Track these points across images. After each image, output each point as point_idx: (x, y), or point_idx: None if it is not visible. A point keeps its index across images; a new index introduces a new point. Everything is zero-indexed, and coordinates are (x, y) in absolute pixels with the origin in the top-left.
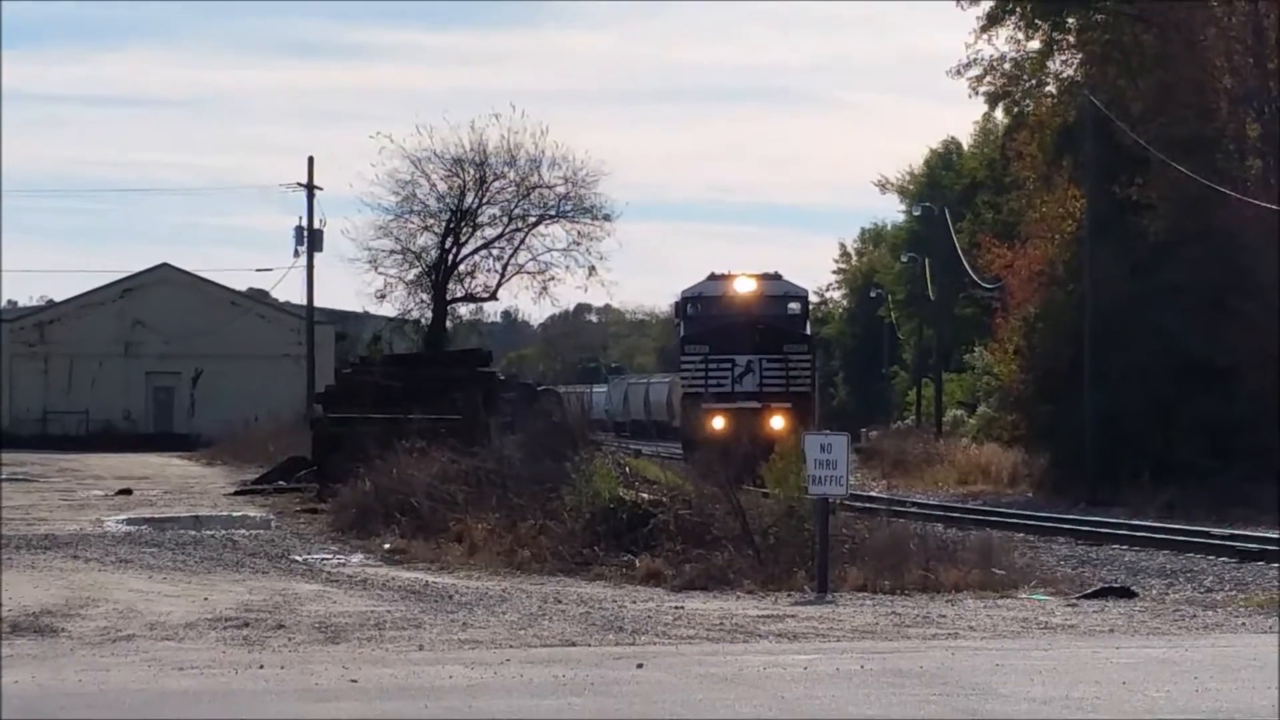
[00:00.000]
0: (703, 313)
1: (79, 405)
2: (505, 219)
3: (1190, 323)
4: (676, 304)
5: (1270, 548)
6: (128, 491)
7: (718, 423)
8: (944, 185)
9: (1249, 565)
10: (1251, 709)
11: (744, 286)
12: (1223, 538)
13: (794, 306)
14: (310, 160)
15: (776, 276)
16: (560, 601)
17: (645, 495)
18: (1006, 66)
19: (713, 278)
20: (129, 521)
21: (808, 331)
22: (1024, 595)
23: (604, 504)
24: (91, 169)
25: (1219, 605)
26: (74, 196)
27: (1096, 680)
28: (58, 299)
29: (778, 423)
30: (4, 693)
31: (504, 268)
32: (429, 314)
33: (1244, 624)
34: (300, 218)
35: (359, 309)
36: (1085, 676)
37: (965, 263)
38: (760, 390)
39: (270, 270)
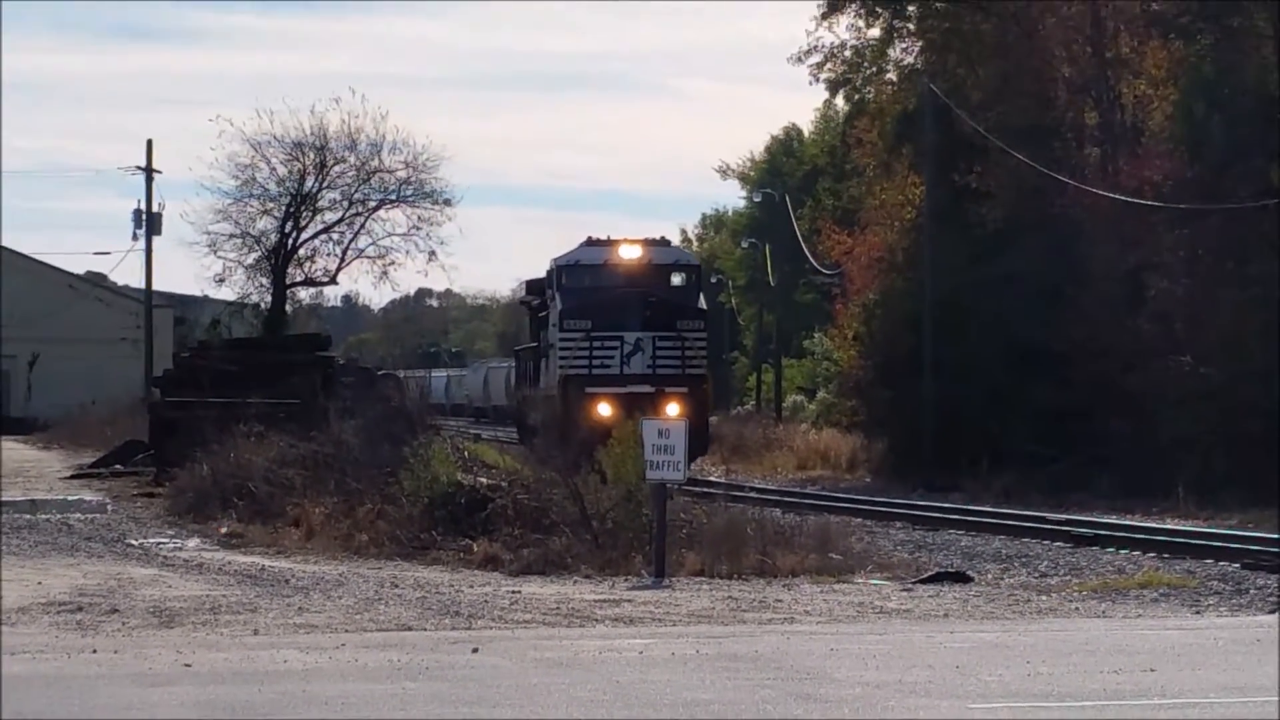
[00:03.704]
0: (581, 283)
1: None
2: (345, 203)
3: (1028, 311)
4: (548, 273)
5: (1104, 533)
6: None
7: (604, 409)
8: (785, 172)
9: (1083, 550)
10: (1083, 691)
11: (629, 253)
12: (1058, 523)
13: (686, 277)
14: (149, 143)
15: (664, 242)
16: (397, 586)
17: (484, 480)
18: (847, 54)
19: (591, 243)
20: None
21: (702, 305)
22: (860, 580)
23: (442, 488)
24: None
25: (1053, 590)
26: None
27: (930, 665)
28: None
29: (673, 409)
30: None
31: (344, 252)
32: (268, 298)
33: (1077, 608)
34: (139, 201)
35: (198, 293)
36: (919, 661)
37: (805, 249)
38: (653, 372)
39: (108, 254)
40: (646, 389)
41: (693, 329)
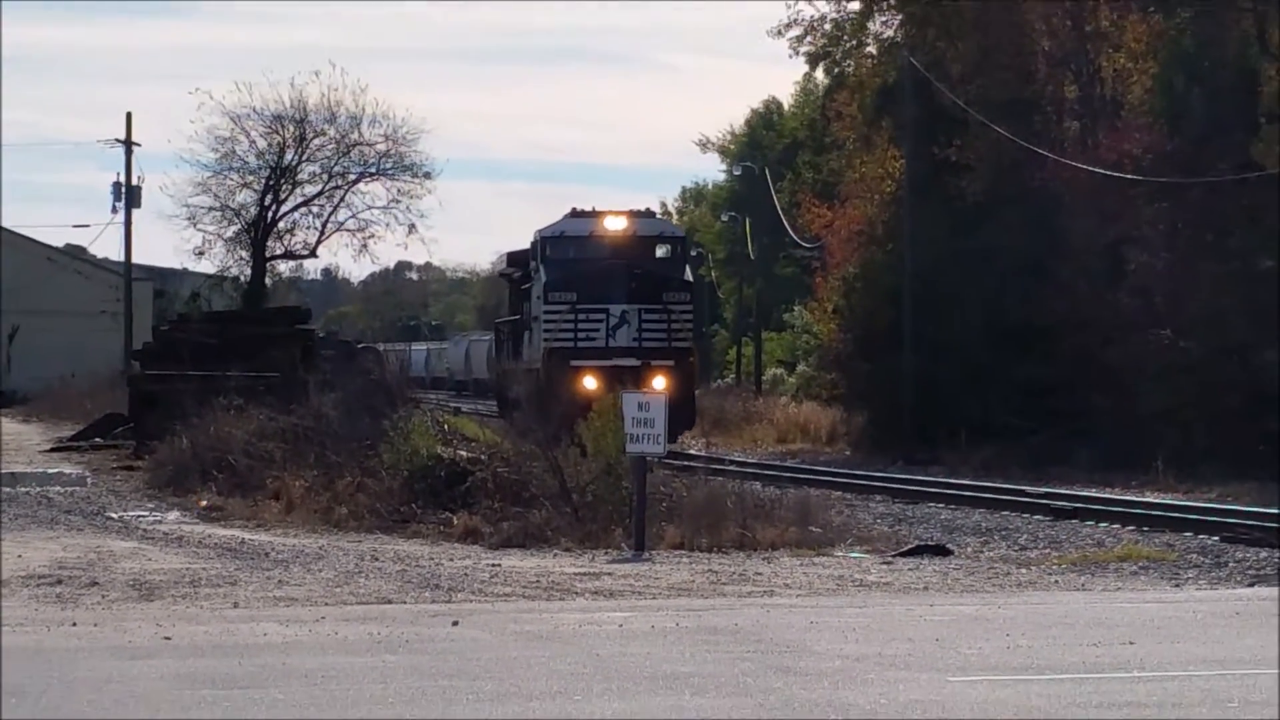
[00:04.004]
0: (566, 255)
1: None
2: (325, 176)
3: (1008, 284)
4: (532, 245)
5: (1083, 505)
6: None
7: (589, 382)
8: (765, 145)
9: (1063, 523)
10: (1062, 664)
11: (614, 225)
12: (1037, 496)
13: (672, 249)
14: (129, 116)
15: (649, 214)
16: (377, 559)
17: (464, 453)
18: (827, 27)
19: (575, 215)
20: None
21: (689, 277)
22: (840, 553)
23: (422, 462)
24: None
25: (1032, 563)
26: None
27: (910, 638)
28: None
29: (659, 383)
30: None
31: (324, 225)
32: (248, 271)
33: (1056, 581)
34: (118, 174)
35: (178, 266)
36: (899, 634)
37: (785, 222)
38: (639, 345)
39: (88, 226)
40: (632, 362)
41: (678, 301)
